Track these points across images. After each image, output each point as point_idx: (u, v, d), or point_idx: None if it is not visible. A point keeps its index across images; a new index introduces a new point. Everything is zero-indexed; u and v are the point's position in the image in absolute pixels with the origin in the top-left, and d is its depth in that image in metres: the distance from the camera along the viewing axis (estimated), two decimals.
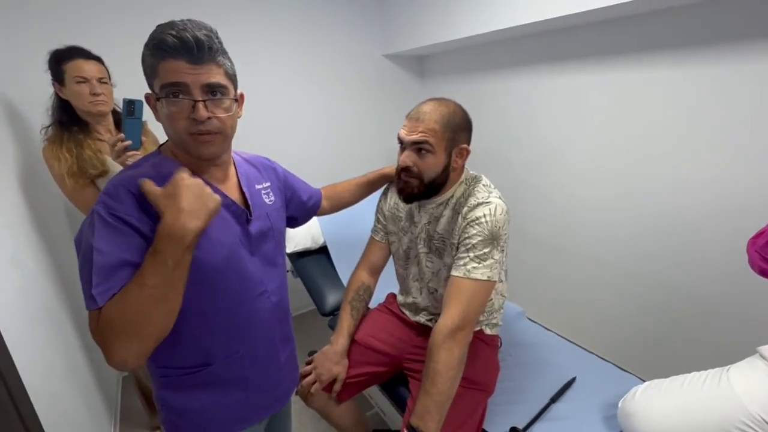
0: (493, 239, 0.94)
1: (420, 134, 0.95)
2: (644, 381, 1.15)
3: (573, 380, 1.17)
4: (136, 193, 0.63)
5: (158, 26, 0.64)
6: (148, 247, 0.60)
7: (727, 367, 0.84)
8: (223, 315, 0.75)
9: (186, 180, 0.61)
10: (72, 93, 1.22)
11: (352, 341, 1.20)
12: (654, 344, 1.57)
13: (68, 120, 1.25)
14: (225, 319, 0.75)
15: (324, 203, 1.14)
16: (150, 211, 0.62)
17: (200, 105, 0.64)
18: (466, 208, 0.98)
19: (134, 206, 0.63)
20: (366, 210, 1.52)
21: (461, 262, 0.94)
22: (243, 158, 0.87)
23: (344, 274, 1.68)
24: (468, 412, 1.00)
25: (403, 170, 1.01)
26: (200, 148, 0.67)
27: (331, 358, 1.13)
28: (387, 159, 2.42)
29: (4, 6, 1.45)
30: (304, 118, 2.20)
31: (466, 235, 0.95)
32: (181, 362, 0.74)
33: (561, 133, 1.75)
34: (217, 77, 0.66)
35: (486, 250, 0.93)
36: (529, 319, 1.52)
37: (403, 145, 1.00)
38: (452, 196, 1.05)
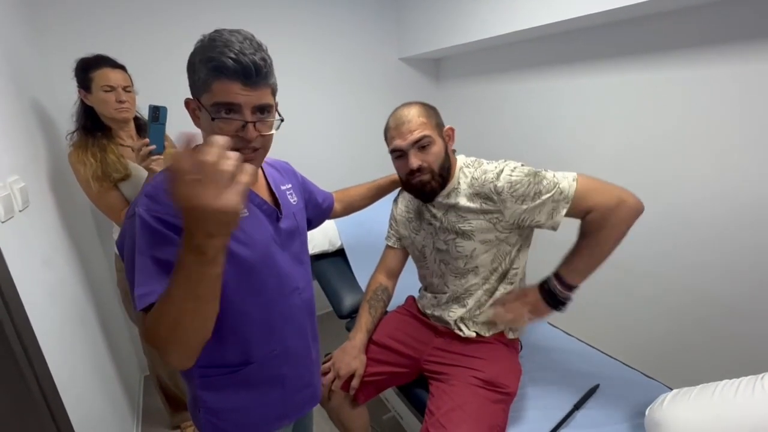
0: (534, 175, 0.99)
1: (417, 132, 1.01)
2: (671, 389, 1.12)
3: (596, 387, 1.14)
4: None
5: (212, 41, 0.63)
6: None
7: (762, 374, 0.81)
8: (261, 312, 0.77)
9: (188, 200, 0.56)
10: (98, 100, 1.26)
11: (371, 341, 1.21)
12: (678, 350, 1.52)
13: (92, 126, 1.30)
14: (262, 316, 0.77)
15: (336, 206, 1.17)
16: None
17: (250, 126, 0.66)
18: (491, 185, 1.01)
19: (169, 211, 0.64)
20: (384, 214, 1.52)
21: (551, 205, 0.97)
22: (266, 162, 0.90)
23: (361, 277, 1.68)
24: (491, 417, 0.99)
25: (415, 172, 1.03)
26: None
27: (349, 352, 1.14)
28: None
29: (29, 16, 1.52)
30: (319, 121, 2.22)
31: (522, 197, 0.98)
32: (223, 361, 0.76)
33: (578, 135, 1.72)
34: (267, 98, 0.68)
35: (544, 182, 0.98)
36: (550, 324, 1.50)
37: (403, 151, 1.04)
38: (458, 184, 1.07)
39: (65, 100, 1.60)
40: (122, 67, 1.31)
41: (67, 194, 1.42)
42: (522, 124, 1.98)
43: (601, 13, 1.33)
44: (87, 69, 1.25)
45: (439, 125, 1.07)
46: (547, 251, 1.12)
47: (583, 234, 1.00)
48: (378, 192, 1.27)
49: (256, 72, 0.63)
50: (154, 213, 0.62)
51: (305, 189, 1.02)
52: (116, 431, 1.37)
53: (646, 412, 0.94)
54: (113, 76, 1.26)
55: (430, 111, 1.07)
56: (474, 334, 1.13)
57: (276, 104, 0.72)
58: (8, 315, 0.74)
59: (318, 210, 1.08)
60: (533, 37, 1.78)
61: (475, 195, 1.04)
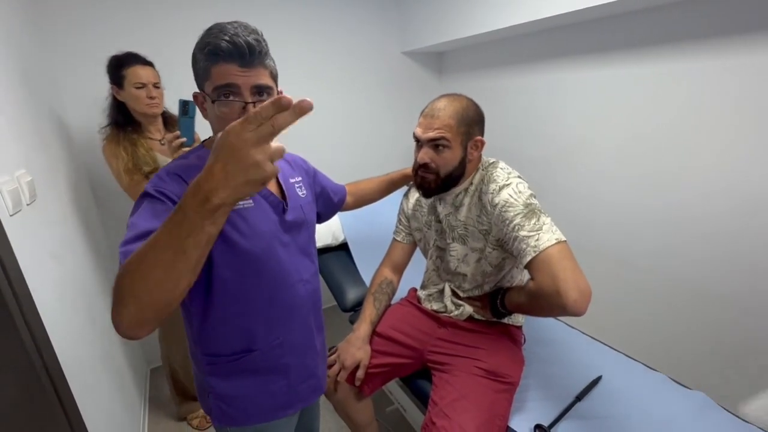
0: (531, 210, 0.93)
1: (436, 131, 0.99)
2: (673, 380, 1.13)
3: (599, 379, 1.15)
4: (183, 177, 0.68)
5: (209, 30, 0.67)
6: None
7: None
8: (264, 301, 0.78)
9: (235, 136, 0.44)
10: (130, 96, 1.33)
11: (375, 333, 1.22)
12: (680, 342, 1.52)
13: (124, 120, 1.37)
14: (266, 305, 0.78)
15: (348, 199, 1.18)
16: None
17: (250, 107, 0.67)
18: (489, 195, 0.99)
19: (180, 187, 0.66)
20: (387, 208, 1.53)
21: (523, 245, 0.90)
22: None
23: (364, 271, 1.69)
24: (493, 406, 1.00)
25: (421, 167, 1.04)
26: None
27: (353, 343, 1.16)
28: (405, 156, 2.42)
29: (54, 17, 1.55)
30: (322, 116, 2.21)
31: (507, 220, 0.95)
32: (227, 348, 0.78)
33: (582, 129, 1.71)
34: (265, 79, 0.69)
35: (533, 221, 0.91)
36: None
37: (420, 142, 1.03)
38: (471, 183, 1.07)
39: (70, 93, 1.62)
40: (151, 64, 1.37)
41: (74, 187, 1.43)
42: (525, 118, 1.97)
43: (605, 5, 1.32)
44: (119, 66, 1.31)
45: (467, 133, 1.00)
46: None
47: (525, 286, 0.96)
48: (390, 186, 1.28)
49: (249, 52, 0.65)
50: (160, 188, 0.65)
51: (316, 182, 1.03)
52: (124, 421, 1.39)
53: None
54: (144, 73, 1.32)
55: (467, 115, 0.99)
56: (470, 310, 1.15)
57: (280, 91, 0.73)
58: (18, 306, 0.75)
59: (329, 204, 1.10)
60: (536, 30, 1.76)
61: (478, 200, 1.04)
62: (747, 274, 1.29)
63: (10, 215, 0.83)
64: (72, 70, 1.60)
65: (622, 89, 1.53)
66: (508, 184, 0.98)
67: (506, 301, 1.06)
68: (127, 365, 1.63)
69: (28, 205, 0.92)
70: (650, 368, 1.20)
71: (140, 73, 1.31)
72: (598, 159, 1.68)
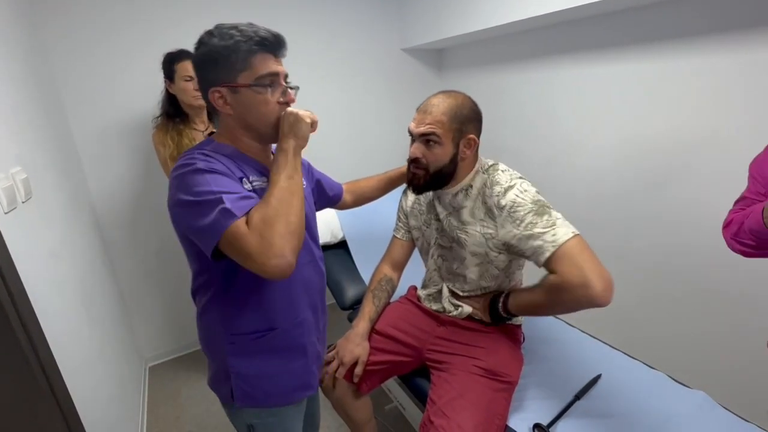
0: (540, 206, 0.93)
1: (427, 126, 0.99)
2: (673, 379, 1.12)
3: (598, 377, 1.14)
4: (217, 159, 0.74)
5: (234, 27, 0.71)
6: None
7: None
8: (282, 281, 0.81)
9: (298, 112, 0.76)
10: (179, 89, 1.46)
11: (374, 330, 1.21)
12: (680, 341, 1.52)
13: (174, 112, 1.50)
14: (284, 285, 0.82)
15: (347, 197, 1.20)
16: (231, 169, 0.74)
17: (290, 91, 0.79)
18: (495, 198, 0.98)
19: (220, 165, 0.72)
20: (385, 206, 1.52)
21: (539, 242, 0.89)
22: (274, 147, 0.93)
23: (363, 269, 1.68)
24: (492, 405, 0.99)
25: (412, 162, 1.04)
26: None
27: (352, 340, 1.15)
28: (405, 153, 2.40)
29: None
30: (321, 112, 2.17)
31: (517, 220, 0.94)
32: (249, 327, 0.81)
33: (582, 126, 1.70)
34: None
35: (545, 217, 0.91)
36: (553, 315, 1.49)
37: (413, 137, 1.03)
38: (470, 186, 1.05)
39: (68, 89, 1.61)
40: None
41: (70, 185, 1.43)
42: (525, 115, 1.96)
43: (604, 2, 1.31)
44: (171, 62, 1.44)
45: (459, 130, 0.98)
46: None
47: (543, 282, 0.94)
48: (388, 184, 1.28)
49: (284, 44, 0.77)
50: (211, 167, 0.70)
51: (312, 175, 1.07)
52: (121, 418, 1.39)
53: None
54: (191, 67, 1.39)
55: (460, 112, 0.98)
56: (470, 309, 1.14)
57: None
58: (13, 304, 0.74)
59: (323, 197, 1.13)
60: (536, 27, 1.75)
61: (482, 203, 1.03)
62: (747, 272, 1.28)
63: (5, 213, 0.82)
64: (70, 67, 1.59)
65: (621, 86, 1.52)
66: (513, 186, 0.97)
67: (510, 305, 1.04)
68: (125, 363, 1.63)
69: (23, 202, 0.92)
70: (650, 367, 1.20)
71: (189, 67, 1.41)
72: (597, 156, 1.67)
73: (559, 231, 0.88)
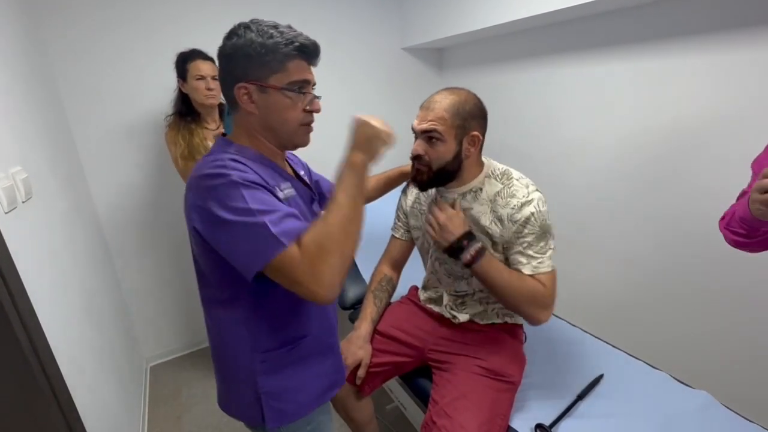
0: (545, 232, 0.99)
1: (429, 123, 0.98)
2: (676, 379, 1.12)
3: (601, 377, 1.14)
4: (250, 164, 0.70)
5: (275, 27, 0.70)
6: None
7: None
8: None
9: (370, 120, 0.73)
10: (191, 88, 1.47)
11: (375, 331, 1.21)
12: (682, 341, 1.51)
13: (186, 111, 1.51)
14: None
15: None
16: (264, 178, 0.70)
17: (316, 100, 0.78)
18: (509, 210, 0.99)
19: (253, 175, 0.68)
20: (385, 205, 1.51)
21: (524, 259, 0.99)
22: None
23: (364, 268, 1.68)
24: (495, 405, 0.99)
25: (415, 158, 1.04)
26: (306, 137, 0.80)
27: (354, 342, 1.15)
28: (405, 152, 2.40)
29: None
30: (321, 112, 2.20)
31: (521, 235, 0.99)
32: (280, 340, 0.78)
33: (583, 125, 1.69)
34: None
35: (542, 243, 0.98)
36: (555, 315, 1.49)
37: (416, 134, 1.03)
38: (480, 190, 1.04)
39: (68, 88, 1.61)
40: (212, 59, 1.47)
41: (71, 184, 1.42)
42: (525, 113, 1.95)
43: (604, 1, 1.30)
44: (184, 61, 1.46)
45: (462, 127, 0.97)
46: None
47: (524, 277, 0.98)
48: (388, 184, 1.27)
49: (319, 54, 0.76)
50: (248, 179, 0.66)
51: (312, 176, 1.06)
52: (123, 418, 1.39)
53: None
54: (203, 67, 1.45)
55: (463, 109, 0.97)
56: (467, 317, 1.13)
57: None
58: (12, 305, 0.74)
59: (322, 199, 1.09)
60: (537, 26, 1.74)
61: (491, 211, 1.02)
62: (750, 272, 1.28)
63: (5, 212, 0.82)
64: (69, 65, 1.58)
65: (621, 85, 1.52)
66: (530, 201, 0.98)
67: (483, 264, 0.96)
68: (126, 363, 1.63)
69: (23, 202, 0.91)
70: (652, 367, 1.19)
71: (201, 66, 1.44)
72: (597, 154, 1.66)
73: (545, 263, 0.98)
